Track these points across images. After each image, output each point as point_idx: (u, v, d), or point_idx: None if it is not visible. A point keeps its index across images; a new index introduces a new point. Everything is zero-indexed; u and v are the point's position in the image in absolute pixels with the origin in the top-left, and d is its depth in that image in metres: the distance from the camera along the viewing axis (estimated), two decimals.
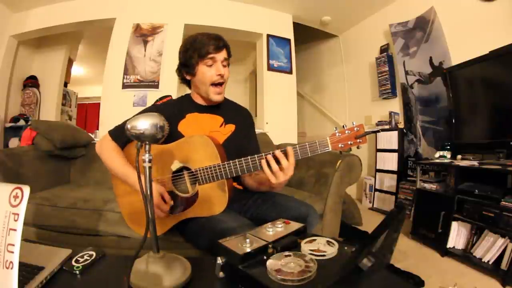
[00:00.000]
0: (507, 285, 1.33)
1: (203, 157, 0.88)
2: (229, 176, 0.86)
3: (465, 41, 2.26)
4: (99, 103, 2.92)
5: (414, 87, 2.73)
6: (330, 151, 0.82)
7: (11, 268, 0.42)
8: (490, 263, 1.47)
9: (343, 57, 3.84)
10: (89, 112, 6.25)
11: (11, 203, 0.44)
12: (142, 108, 1.29)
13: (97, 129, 2.90)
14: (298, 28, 3.55)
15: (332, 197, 1.39)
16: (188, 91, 1.13)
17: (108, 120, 2.75)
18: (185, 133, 0.99)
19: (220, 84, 1.00)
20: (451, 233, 1.66)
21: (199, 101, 1.07)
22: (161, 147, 0.93)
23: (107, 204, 1.26)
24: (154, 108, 1.09)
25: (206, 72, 0.97)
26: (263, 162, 0.82)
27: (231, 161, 0.85)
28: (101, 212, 1.24)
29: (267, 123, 3.19)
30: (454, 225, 1.67)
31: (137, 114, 0.72)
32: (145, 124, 0.59)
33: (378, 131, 0.89)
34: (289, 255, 0.54)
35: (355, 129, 0.80)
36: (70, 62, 3.98)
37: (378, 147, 2.92)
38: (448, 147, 2.11)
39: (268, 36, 3.29)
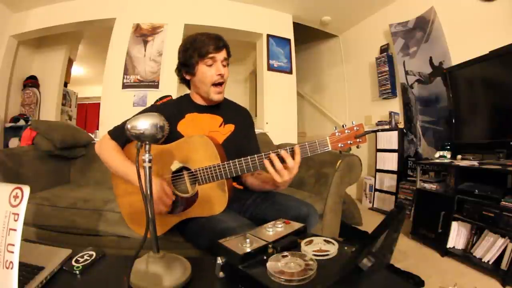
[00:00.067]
0: (507, 285, 1.33)
1: (203, 157, 0.88)
2: (229, 176, 0.86)
3: (465, 41, 2.26)
4: (99, 103, 2.93)
5: (414, 87, 2.73)
6: (330, 151, 0.82)
7: (11, 268, 0.42)
8: (490, 263, 1.47)
9: (343, 57, 3.84)
10: (89, 112, 6.25)
11: (11, 203, 0.44)
12: (142, 108, 1.29)
13: (97, 129, 2.90)
14: (298, 28, 3.55)
15: (332, 197, 1.39)
16: (188, 91, 1.13)
17: (108, 120, 2.75)
18: (185, 133, 0.99)
19: (220, 84, 1.00)
20: (451, 233, 1.66)
21: (199, 101, 1.07)
22: (161, 147, 0.93)
23: (107, 204, 1.26)
24: (154, 108, 1.09)
25: (206, 72, 0.97)
26: (266, 161, 0.82)
27: (230, 161, 0.85)
28: (101, 212, 1.24)
29: (267, 123, 3.19)
30: (454, 225, 1.67)
31: (137, 114, 0.72)
32: (145, 124, 0.59)
33: (377, 131, 0.89)
34: (289, 255, 0.54)
35: (355, 128, 0.80)
36: (70, 62, 3.98)
37: (378, 147, 2.92)
38: (448, 147, 2.11)
39: (268, 36, 3.30)
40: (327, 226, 1.38)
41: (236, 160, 0.85)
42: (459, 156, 1.98)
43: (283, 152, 0.81)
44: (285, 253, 0.55)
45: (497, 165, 1.58)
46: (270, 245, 0.58)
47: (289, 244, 0.61)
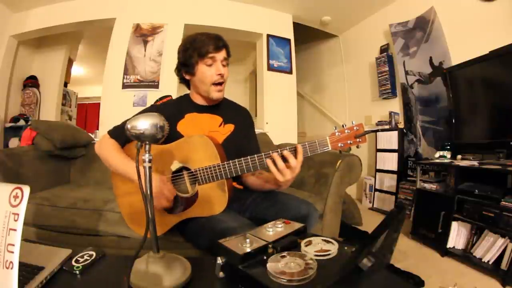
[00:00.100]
0: (507, 285, 1.33)
1: (203, 157, 0.88)
2: (229, 176, 0.86)
3: (465, 41, 2.26)
4: (99, 103, 2.93)
5: (414, 87, 2.73)
6: (330, 151, 0.82)
7: (11, 268, 0.42)
8: (490, 263, 1.47)
9: (343, 57, 3.84)
10: (89, 112, 6.25)
11: (11, 203, 0.44)
12: (142, 108, 1.29)
13: (97, 129, 2.90)
14: (298, 28, 3.55)
15: (332, 197, 1.39)
16: (187, 91, 1.13)
17: (108, 120, 2.75)
18: (184, 133, 0.99)
19: (220, 83, 1.00)
20: (451, 233, 1.66)
21: (198, 101, 1.07)
22: (161, 147, 0.93)
23: (107, 204, 1.26)
24: (154, 109, 1.09)
25: (206, 71, 0.97)
26: (269, 160, 0.82)
27: (230, 161, 0.85)
28: (101, 212, 1.24)
29: (267, 123, 3.19)
30: (454, 225, 1.67)
31: (136, 114, 0.72)
32: (145, 124, 0.59)
33: (377, 130, 0.89)
34: (289, 255, 0.54)
35: (355, 128, 0.80)
36: (70, 62, 3.98)
37: (378, 147, 2.92)
38: (448, 147, 2.11)
39: (268, 36, 3.30)
40: (327, 226, 1.38)
41: (236, 160, 0.85)
42: (459, 156, 1.98)
43: (285, 152, 0.81)
44: (285, 253, 0.55)
45: (497, 165, 1.58)
46: (270, 245, 0.58)
47: (289, 244, 0.61)
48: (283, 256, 0.54)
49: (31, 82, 3.42)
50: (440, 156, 2.08)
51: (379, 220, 0.60)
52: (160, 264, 0.60)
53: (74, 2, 2.92)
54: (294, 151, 0.82)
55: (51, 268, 0.61)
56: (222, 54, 0.98)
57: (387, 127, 2.87)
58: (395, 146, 2.74)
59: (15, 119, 3.14)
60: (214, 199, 0.88)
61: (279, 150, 0.83)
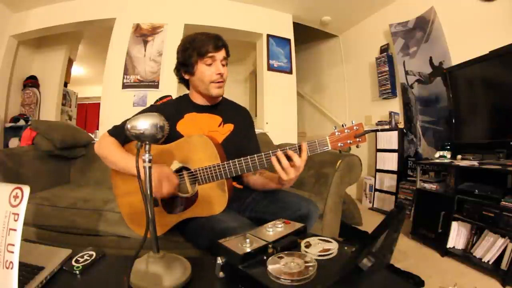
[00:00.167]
0: (507, 285, 1.33)
1: (203, 157, 0.88)
2: (229, 176, 0.87)
3: (465, 41, 2.26)
4: (99, 103, 2.93)
5: (414, 87, 2.73)
6: (330, 151, 0.82)
7: (11, 268, 0.42)
8: (490, 263, 1.47)
9: (343, 57, 3.84)
10: (89, 112, 6.25)
11: (11, 203, 0.44)
12: (142, 108, 1.29)
13: (97, 129, 2.90)
14: (298, 28, 3.55)
15: (332, 197, 1.39)
16: (187, 91, 1.13)
17: (108, 120, 2.75)
18: (184, 133, 0.99)
19: (220, 82, 1.00)
20: (451, 233, 1.66)
21: (198, 101, 1.07)
22: (161, 147, 0.93)
23: (107, 204, 1.26)
24: (154, 109, 1.09)
25: (206, 71, 0.97)
26: (274, 159, 0.82)
27: (230, 161, 0.85)
28: (101, 212, 1.24)
29: (267, 123, 3.19)
30: (454, 225, 1.67)
31: (136, 114, 0.72)
32: (145, 124, 0.59)
33: (377, 130, 0.89)
34: (289, 255, 0.54)
35: (355, 128, 0.80)
36: (70, 62, 3.98)
37: (378, 147, 2.92)
38: (448, 147, 2.11)
39: (268, 36, 3.30)
40: (327, 226, 1.38)
41: (236, 160, 0.85)
42: (459, 156, 1.98)
43: (290, 152, 0.81)
44: (285, 253, 0.55)
45: (497, 165, 1.58)
46: (270, 245, 0.58)
47: (289, 244, 0.61)
48: (283, 256, 0.54)
49: (31, 82, 3.42)
50: (440, 156, 2.08)
51: (379, 220, 0.60)
52: (160, 264, 0.60)
53: (74, 2, 2.92)
54: (299, 150, 0.82)
55: (51, 268, 0.61)
56: (221, 54, 0.98)
57: (387, 127, 2.87)
58: (395, 146, 2.74)
59: (15, 119, 3.14)
60: (214, 199, 0.88)
61: (286, 148, 0.83)
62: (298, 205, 0.93)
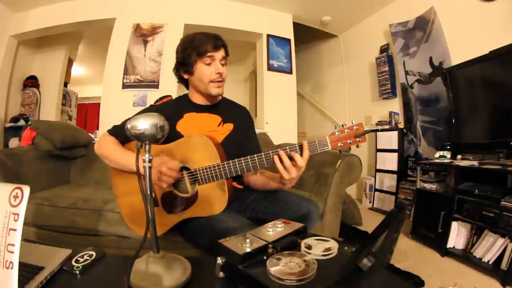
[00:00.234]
0: (507, 285, 1.33)
1: (203, 157, 0.88)
2: (229, 176, 0.86)
3: (465, 41, 2.26)
4: (99, 103, 2.93)
5: (414, 87, 2.73)
6: (330, 151, 0.82)
7: (11, 268, 0.42)
8: (490, 263, 1.47)
9: (343, 57, 3.84)
10: (89, 112, 6.25)
11: (11, 203, 0.44)
12: (142, 108, 1.29)
13: (97, 129, 2.90)
14: (298, 28, 3.55)
15: (332, 197, 1.39)
16: (187, 91, 1.13)
17: (108, 120, 2.74)
18: (184, 133, 0.99)
19: (219, 82, 1.00)
20: (451, 233, 1.66)
21: (197, 100, 1.07)
22: (161, 147, 0.93)
23: (107, 204, 1.26)
24: (153, 109, 1.09)
25: (205, 70, 0.98)
26: (276, 158, 0.82)
27: (230, 161, 0.85)
28: (101, 212, 1.24)
29: (267, 123, 3.19)
30: (454, 225, 1.67)
31: (136, 114, 0.72)
32: (145, 124, 0.59)
33: (377, 130, 0.89)
34: (289, 255, 0.54)
35: (354, 127, 0.80)
36: (70, 62, 3.98)
37: (378, 147, 2.92)
38: (448, 147, 2.11)
39: (268, 36, 3.30)
40: (327, 226, 1.38)
41: (236, 160, 0.85)
42: (459, 156, 1.98)
43: (291, 152, 0.81)
44: (285, 253, 0.55)
45: (497, 165, 1.58)
46: (270, 245, 0.58)
47: (289, 244, 0.61)
48: (283, 256, 0.54)
49: (31, 82, 3.42)
50: (440, 156, 2.08)
51: (379, 220, 0.60)
52: (160, 264, 0.60)
53: (74, 2, 2.92)
54: (300, 149, 0.82)
55: (51, 268, 0.61)
56: (220, 53, 0.98)
57: (387, 127, 2.87)
58: (395, 146, 2.74)
59: (15, 119, 3.14)
60: (214, 199, 0.88)
61: (287, 148, 0.83)
62: (298, 205, 0.93)
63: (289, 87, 3.38)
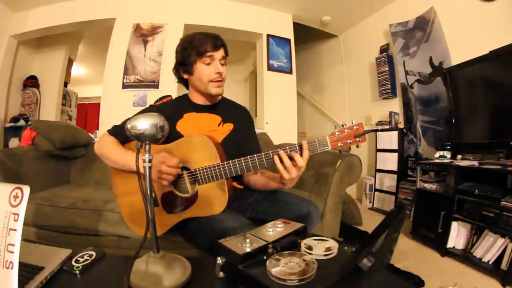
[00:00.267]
0: (507, 285, 1.33)
1: (203, 157, 0.88)
2: (229, 176, 0.86)
3: (465, 41, 2.26)
4: (99, 103, 2.93)
5: (414, 87, 2.73)
6: (330, 151, 0.82)
7: (11, 268, 0.42)
8: (490, 263, 1.47)
9: (343, 57, 3.84)
10: (89, 112, 6.25)
11: (11, 203, 0.44)
12: (142, 108, 1.29)
13: (97, 129, 2.90)
14: (298, 28, 3.55)
15: (332, 197, 1.39)
16: (187, 91, 1.13)
17: (108, 120, 2.74)
18: (184, 133, 0.99)
19: (219, 81, 1.00)
20: (451, 233, 1.66)
21: (197, 100, 1.07)
22: (160, 147, 0.93)
23: (107, 204, 1.26)
24: (153, 109, 1.09)
25: (204, 70, 0.98)
26: (276, 157, 0.82)
27: (230, 161, 0.85)
28: (101, 212, 1.24)
29: (267, 123, 3.19)
30: (454, 225, 1.67)
31: (136, 114, 0.72)
32: (145, 124, 0.59)
33: (377, 130, 0.89)
34: (289, 255, 0.54)
35: (354, 127, 0.80)
36: (70, 62, 3.98)
37: (378, 147, 2.92)
38: (448, 147, 2.11)
39: (268, 36, 3.30)
40: (327, 226, 1.38)
41: (236, 159, 0.85)
42: (459, 156, 1.98)
43: (291, 152, 0.81)
44: (285, 253, 0.55)
45: (497, 165, 1.58)
46: (270, 245, 0.58)
47: (289, 244, 0.61)
48: (283, 256, 0.54)
49: (31, 82, 3.42)
50: (440, 156, 2.08)
51: (379, 220, 0.60)
52: (160, 264, 0.60)
53: (74, 2, 2.92)
54: (300, 149, 0.82)
55: (51, 268, 0.61)
56: (220, 53, 0.98)
57: (387, 127, 2.87)
58: (395, 146, 2.74)
59: (15, 119, 3.14)
60: (214, 199, 0.88)
61: (287, 148, 0.83)
62: (299, 206, 0.93)
63: (289, 87, 3.38)
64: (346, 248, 0.60)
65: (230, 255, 0.55)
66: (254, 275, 0.50)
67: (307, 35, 4.05)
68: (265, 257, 0.55)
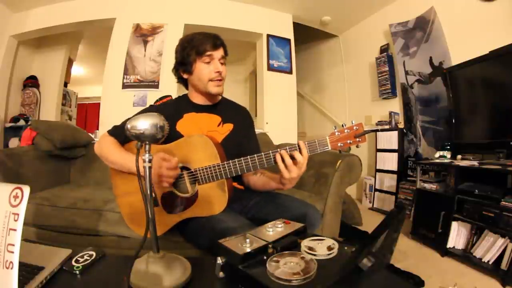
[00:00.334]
0: (507, 285, 1.33)
1: (203, 157, 0.88)
2: (229, 176, 0.86)
3: (465, 41, 2.26)
4: (99, 103, 2.93)
5: (414, 87, 2.73)
6: (330, 151, 0.82)
7: (11, 268, 0.42)
8: (490, 263, 1.47)
9: (343, 57, 3.84)
10: (89, 112, 6.25)
11: (11, 203, 0.44)
12: (142, 108, 1.29)
13: (97, 129, 2.90)
14: (298, 28, 3.55)
15: (332, 197, 1.39)
16: (186, 91, 1.13)
17: (108, 120, 2.75)
18: (184, 133, 0.99)
19: (219, 80, 1.00)
20: (451, 233, 1.66)
21: (197, 100, 1.07)
22: (160, 147, 0.93)
23: (107, 204, 1.26)
24: (153, 109, 1.09)
25: (204, 69, 0.98)
26: (278, 156, 0.82)
27: (230, 161, 0.85)
28: (101, 212, 1.24)
29: (267, 123, 3.19)
30: (454, 225, 1.67)
31: (136, 114, 0.72)
32: (145, 124, 0.59)
33: (377, 130, 0.89)
34: (289, 255, 0.54)
35: (354, 128, 0.80)
36: (70, 62, 3.98)
37: (378, 147, 2.92)
38: (448, 147, 2.11)
39: (268, 36, 3.29)
40: (327, 226, 1.38)
41: (236, 159, 0.85)
42: (459, 156, 1.98)
43: (292, 152, 0.82)
44: (285, 253, 0.55)
45: (497, 165, 1.58)
46: (270, 245, 0.58)
47: (289, 244, 0.61)
48: (283, 256, 0.54)
49: (31, 82, 3.42)
50: (440, 156, 2.08)
51: (379, 220, 0.60)
52: (160, 264, 0.60)
53: (74, 2, 2.92)
54: (299, 149, 0.82)
55: (51, 268, 0.61)
56: (219, 52, 0.99)
57: (387, 127, 2.87)
58: (395, 146, 2.74)
59: (15, 119, 3.13)
60: (214, 199, 0.88)
61: (286, 148, 0.83)
62: (300, 211, 0.92)
63: (289, 87, 3.38)
64: (346, 248, 0.60)
65: (230, 255, 0.55)
66: (254, 275, 0.50)
67: (307, 35, 4.05)
68: (265, 257, 0.55)
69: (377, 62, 3.10)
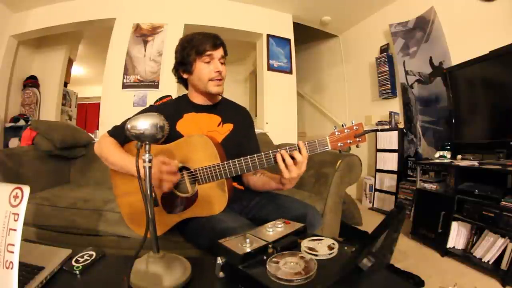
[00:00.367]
0: (507, 285, 1.33)
1: (203, 157, 0.88)
2: (229, 176, 0.86)
3: (465, 41, 2.26)
4: (99, 103, 2.93)
5: (414, 87, 2.73)
6: (330, 151, 0.82)
7: (11, 268, 0.42)
8: (490, 263, 1.47)
9: (343, 57, 3.84)
10: (89, 112, 6.25)
11: (11, 203, 0.44)
12: (142, 108, 1.29)
13: (97, 129, 2.90)
14: (298, 28, 3.55)
15: (332, 197, 1.39)
16: (186, 91, 1.13)
17: (108, 120, 2.75)
18: (184, 133, 0.99)
19: (219, 80, 1.00)
20: (451, 233, 1.66)
21: (197, 100, 1.07)
22: (160, 147, 0.93)
23: (107, 204, 1.26)
24: (153, 109, 1.09)
25: (204, 69, 0.98)
26: (278, 156, 0.82)
27: (230, 161, 0.85)
28: (101, 212, 1.24)
29: (267, 123, 3.19)
30: (454, 225, 1.67)
31: (136, 115, 0.72)
32: (145, 124, 0.59)
33: (377, 130, 0.89)
34: (289, 255, 0.54)
35: (354, 127, 0.80)
36: (70, 62, 3.98)
37: (378, 147, 2.92)
38: (448, 147, 2.11)
39: (268, 36, 3.29)
40: (327, 226, 1.38)
41: (236, 159, 0.85)
42: (459, 156, 1.98)
43: (291, 150, 0.82)
44: (285, 253, 0.55)
45: (497, 165, 1.58)
46: (270, 245, 0.58)
47: (289, 244, 0.61)
48: (283, 256, 0.54)
49: (31, 82, 3.42)
50: (440, 156, 2.08)
51: (379, 220, 0.60)
52: (160, 264, 0.60)
53: (74, 2, 2.92)
54: (299, 149, 0.82)
55: (51, 268, 0.61)
56: (219, 52, 0.99)
57: (387, 127, 2.87)
58: (395, 146, 2.74)
59: (15, 119, 3.14)
60: (214, 199, 0.88)
61: (286, 148, 0.83)
62: (300, 212, 0.92)
63: (289, 87, 3.38)
64: (346, 248, 0.60)
65: (230, 255, 0.55)
66: (254, 275, 0.50)
67: (307, 35, 4.05)
68: (265, 257, 0.55)
69: (377, 62, 3.10)
